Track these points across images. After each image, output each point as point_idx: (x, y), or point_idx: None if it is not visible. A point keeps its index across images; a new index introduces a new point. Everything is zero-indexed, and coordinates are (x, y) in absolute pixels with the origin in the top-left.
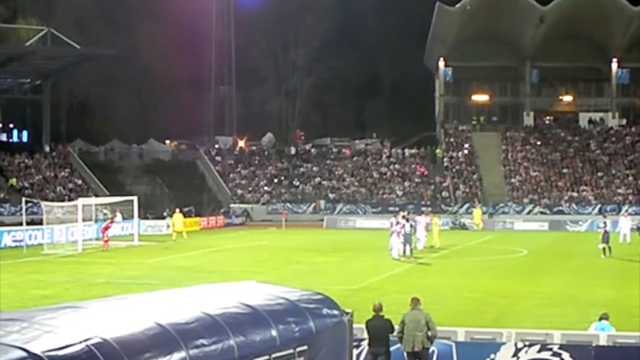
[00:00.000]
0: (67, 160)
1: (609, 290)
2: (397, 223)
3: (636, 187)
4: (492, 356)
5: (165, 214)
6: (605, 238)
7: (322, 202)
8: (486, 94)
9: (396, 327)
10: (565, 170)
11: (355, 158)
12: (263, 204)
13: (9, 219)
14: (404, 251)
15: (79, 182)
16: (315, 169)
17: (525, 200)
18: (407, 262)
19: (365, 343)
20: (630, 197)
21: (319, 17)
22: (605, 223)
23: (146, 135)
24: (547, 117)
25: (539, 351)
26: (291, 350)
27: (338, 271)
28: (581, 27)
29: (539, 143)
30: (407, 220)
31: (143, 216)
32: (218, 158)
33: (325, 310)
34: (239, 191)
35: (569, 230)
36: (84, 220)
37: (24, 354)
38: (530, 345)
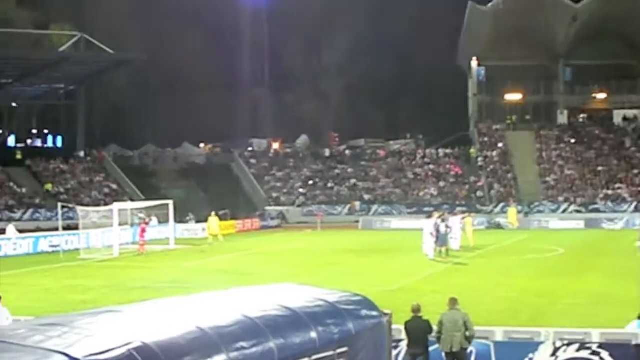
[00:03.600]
0: (102, 165)
1: None
2: (435, 224)
3: None
4: (530, 356)
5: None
6: None
7: (357, 204)
8: (519, 93)
9: (434, 327)
10: (600, 168)
11: (389, 159)
12: (298, 206)
13: (46, 225)
14: (440, 252)
15: (114, 186)
16: (350, 170)
17: (561, 199)
18: (444, 263)
19: (403, 344)
20: None
21: (351, 19)
22: None
23: (180, 138)
24: (581, 115)
25: (578, 350)
26: (331, 352)
27: (374, 272)
28: (613, 25)
29: (573, 141)
30: (443, 220)
31: (178, 220)
32: (253, 161)
33: (364, 312)
34: (274, 194)
35: (605, 228)
36: (119, 224)
37: (66, 358)
38: (568, 345)
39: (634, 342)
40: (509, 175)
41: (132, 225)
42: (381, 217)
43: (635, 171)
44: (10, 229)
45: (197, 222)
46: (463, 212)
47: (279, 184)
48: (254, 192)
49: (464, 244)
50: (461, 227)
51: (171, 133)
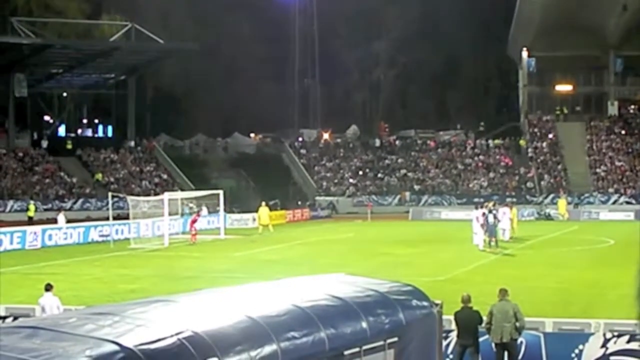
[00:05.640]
0: (152, 155)
1: None
2: (483, 215)
3: None
4: (580, 347)
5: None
6: None
7: (407, 194)
8: (570, 84)
9: (484, 318)
10: None
11: (439, 149)
12: (348, 196)
13: (96, 214)
14: (489, 242)
15: (165, 176)
16: (400, 160)
17: (611, 190)
18: (493, 254)
19: (453, 334)
20: None
21: (400, 8)
22: None
23: (231, 128)
24: (632, 106)
25: (628, 341)
26: (381, 342)
27: (424, 263)
28: None
29: (623, 132)
30: (491, 211)
31: (229, 210)
32: (303, 151)
33: (414, 302)
34: (324, 184)
35: None
36: (169, 214)
37: (117, 347)
38: (619, 336)
39: None
40: (559, 166)
41: (182, 215)
42: (431, 207)
43: None
44: (61, 218)
45: (242, 212)
46: (510, 204)
47: (329, 174)
48: (304, 183)
49: (511, 235)
50: (509, 217)
51: (221, 123)
